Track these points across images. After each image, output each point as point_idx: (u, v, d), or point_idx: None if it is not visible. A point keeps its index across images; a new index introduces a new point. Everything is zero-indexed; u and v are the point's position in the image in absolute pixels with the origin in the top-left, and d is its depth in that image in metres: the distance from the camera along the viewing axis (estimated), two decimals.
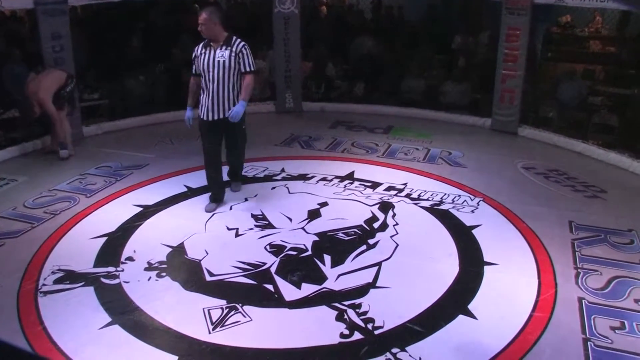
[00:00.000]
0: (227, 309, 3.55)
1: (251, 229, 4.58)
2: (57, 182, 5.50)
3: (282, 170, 5.75)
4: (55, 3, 6.22)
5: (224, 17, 4.67)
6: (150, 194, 5.23)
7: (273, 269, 3.99)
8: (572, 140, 6.62)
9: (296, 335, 3.34)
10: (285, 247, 4.28)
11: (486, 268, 4.04)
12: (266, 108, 7.95)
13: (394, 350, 3.19)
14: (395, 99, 7.92)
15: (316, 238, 4.41)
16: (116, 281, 3.87)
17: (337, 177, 5.62)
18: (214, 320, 3.45)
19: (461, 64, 7.95)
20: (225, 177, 5.16)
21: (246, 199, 5.09)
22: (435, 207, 4.98)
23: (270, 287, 3.80)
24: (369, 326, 3.40)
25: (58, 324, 3.42)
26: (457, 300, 3.68)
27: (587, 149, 6.43)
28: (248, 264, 4.04)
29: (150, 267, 4.03)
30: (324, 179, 5.54)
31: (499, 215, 4.87)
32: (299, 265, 4.04)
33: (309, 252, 4.21)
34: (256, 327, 3.41)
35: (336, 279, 3.88)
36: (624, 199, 5.22)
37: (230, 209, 4.93)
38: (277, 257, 4.14)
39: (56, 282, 3.87)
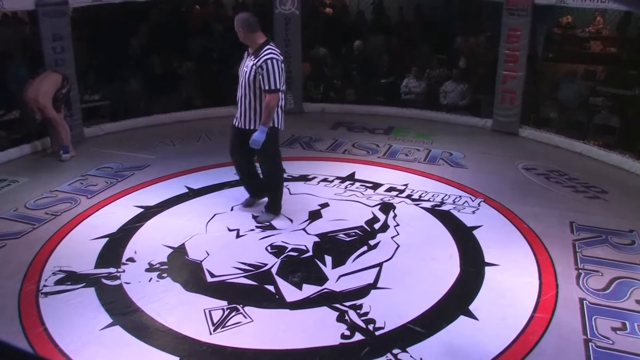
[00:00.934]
0: (228, 310, 3.55)
1: (252, 230, 4.58)
2: (58, 183, 5.50)
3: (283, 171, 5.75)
4: (56, 4, 6.23)
5: (252, 24, 4.34)
6: (152, 195, 5.24)
7: (274, 270, 3.99)
8: (573, 140, 6.62)
9: (297, 336, 3.34)
10: (286, 248, 4.28)
11: (487, 269, 4.04)
12: None
13: (395, 351, 3.19)
14: (394, 100, 7.92)
15: (317, 239, 4.41)
16: (117, 282, 3.88)
17: (338, 178, 5.62)
18: (215, 321, 3.45)
19: (462, 64, 7.94)
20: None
21: None
22: (436, 207, 4.98)
23: (271, 288, 3.80)
24: (370, 327, 3.40)
25: (59, 325, 3.42)
26: (458, 301, 3.68)
27: (588, 150, 6.43)
28: (249, 265, 4.04)
29: (151, 268, 4.04)
30: (324, 180, 5.54)
31: (499, 216, 4.87)
32: (300, 266, 4.04)
33: (310, 253, 4.22)
34: (257, 328, 3.41)
35: (337, 279, 3.88)
36: (625, 200, 5.22)
37: (232, 210, 4.93)
38: (278, 258, 4.14)
39: (57, 283, 3.87)
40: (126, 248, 4.32)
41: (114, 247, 4.33)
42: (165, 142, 6.74)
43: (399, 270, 4.03)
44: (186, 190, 5.35)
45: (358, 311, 3.54)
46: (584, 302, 3.66)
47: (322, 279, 3.89)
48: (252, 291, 3.77)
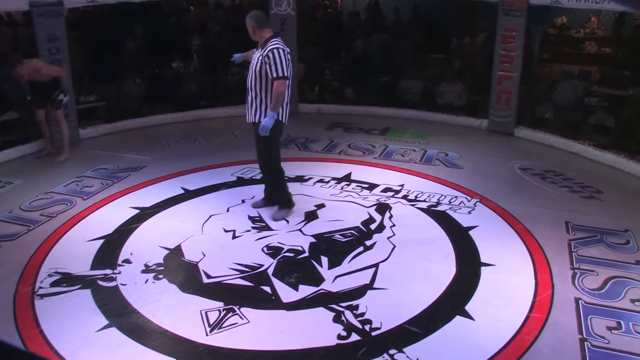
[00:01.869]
0: (225, 311, 3.55)
1: (248, 230, 4.57)
2: (53, 185, 5.48)
3: None
4: (50, 5, 6.21)
5: (261, 20, 4.50)
6: (147, 196, 5.23)
7: (270, 271, 3.98)
8: (568, 141, 6.64)
9: (293, 336, 3.34)
10: (283, 248, 4.28)
11: (483, 269, 4.05)
12: None
13: (392, 351, 3.19)
14: (391, 101, 7.93)
15: (313, 240, 4.41)
16: (113, 284, 3.87)
17: (334, 178, 5.62)
18: (211, 323, 3.45)
19: (456, 65, 7.97)
20: None
21: (243, 201, 5.08)
22: (432, 208, 4.99)
23: (267, 288, 3.79)
24: (367, 327, 3.40)
25: (55, 327, 3.41)
26: (454, 301, 3.69)
27: (584, 150, 6.46)
28: (245, 265, 4.04)
29: (147, 270, 4.03)
30: (320, 181, 5.55)
31: (495, 216, 4.88)
32: (296, 267, 4.04)
33: (306, 254, 4.22)
34: (253, 329, 3.41)
35: (333, 280, 3.88)
36: (620, 200, 5.24)
37: (227, 210, 4.93)
38: (274, 258, 4.14)
39: (53, 284, 3.86)
40: (122, 249, 4.31)
41: (110, 249, 4.32)
42: (161, 143, 6.73)
43: (395, 270, 4.03)
44: (182, 192, 5.34)
45: (354, 312, 3.54)
46: (580, 301, 3.68)
47: (318, 279, 3.89)
48: (248, 292, 3.76)
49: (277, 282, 3.85)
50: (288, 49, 4.46)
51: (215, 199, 5.17)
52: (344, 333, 3.35)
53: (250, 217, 4.78)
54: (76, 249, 4.32)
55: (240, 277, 3.92)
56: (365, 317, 3.49)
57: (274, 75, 4.35)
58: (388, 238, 4.47)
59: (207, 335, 3.34)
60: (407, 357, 3.16)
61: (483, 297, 3.73)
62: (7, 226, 4.69)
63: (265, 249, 4.28)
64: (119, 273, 3.99)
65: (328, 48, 8.73)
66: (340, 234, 4.50)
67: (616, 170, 6.03)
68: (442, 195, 5.25)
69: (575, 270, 4.04)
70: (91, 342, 3.29)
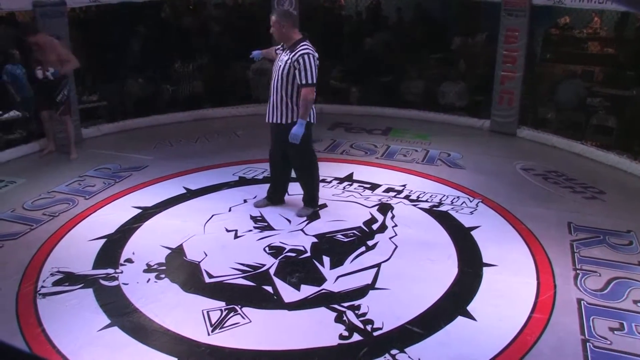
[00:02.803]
0: (226, 311, 3.55)
1: (250, 230, 4.58)
2: (56, 184, 5.49)
3: None
4: (53, 5, 6.22)
5: (295, 20, 4.42)
6: (150, 196, 5.23)
7: (272, 271, 3.99)
8: (570, 141, 6.63)
9: (295, 336, 3.34)
10: (285, 248, 4.28)
11: (485, 269, 4.05)
12: (264, 109, 7.92)
13: (393, 351, 3.19)
14: (393, 101, 7.93)
15: (315, 240, 4.41)
16: (115, 283, 3.87)
17: (336, 178, 5.62)
18: (213, 322, 3.45)
19: (461, 67, 7.97)
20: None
21: (245, 201, 5.08)
22: (434, 208, 4.99)
23: (269, 288, 3.80)
24: (368, 327, 3.40)
25: (57, 326, 3.42)
26: (456, 301, 3.68)
27: (586, 150, 6.44)
28: (247, 265, 4.04)
29: (149, 269, 4.03)
30: (323, 181, 5.52)
31: (497, 216, 4.88)
32: (298, 267, 4.04)
33: (308, 254, 4.22)
34: (255, 328, 3.41)
35: (335, 280, 3.88)
36: (622, 200, 5.23)
37: (230, 210, 4.93)
38: (276, 258, 4.14)
39: (55, 284, 3.86)
40: (124, 249, 4.31)
41: (112, 248, 4.33)
42: (163, 143, 6.74)
43: (397, 270, 4.03)
44: (184, 191, 5.35)
45: (356, 312, 3.54)
46: (582, 302, 3.67)
47: (320, 279, 3.89)
48: (250, 292, 3.77)
49: (279, 282, 3.85)
50: (317, 55, 4.39)
51: (217, 199, 5.18)
52: (345, 333, 3.35)
53: (252, 217, 4.78)
54: (78, 249, 4.33)
55: (242, 277, 3.92)
56: (367, 317, 3.49)
57: (303, 82, 4.30)
58: (390, 238, 4.47)
59: (208, 334, 3.34)
60: (409, 357, 3.15)
61: (485, 297, 3.72)
62: (10, 225, 4.70)
63: (267, 248, 4.28)
64: (121, 272, 4.00)
65: (330, 48, 8.73)
66: (342, 234, 4.50)
67: (619, 171, 6.02)
68: (444, 195, 5.24)
69: (578, 271, 4.03)
70: (93, 342, 3.29)
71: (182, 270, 4.05)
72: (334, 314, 3.53)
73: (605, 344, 3.28)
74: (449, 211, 4.93)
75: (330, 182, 5.53)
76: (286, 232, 4.53)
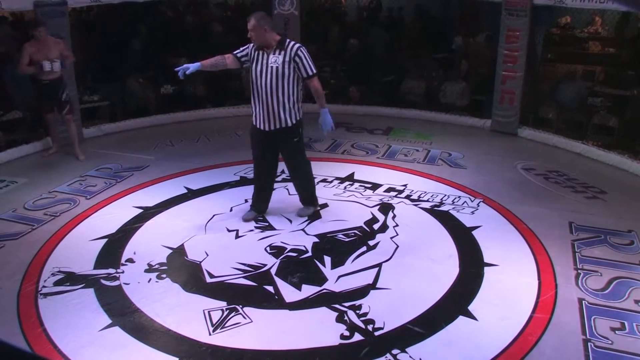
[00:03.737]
0: (228, 311, 3.55)
1: (251, 230, 4.58)
2: (57, 184, 5.50)
3: (282, 172, 5.73)
4: (54, 5, 6.23)
5: (273, 22, 4.33)
6: (151, 196, 5.23)
7: (273, 271, 3.99)
8: (571, 141, 6.62)
9: (296, 336, 3.34)
10: (286, 248, 4.28)
11: (486, 269, 4.05)
12: None
13: (395, 351, 3.19)
14: (394, 101, 7.93)
15: (316, 239, 4.41)
16: (116, 283, 3.87)
17: (337, 178, 5.62)
18: (214, 322, 3.45)
19: (463, 67, 7.96)
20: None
21: (246, 200, 5.08)
22: (435, 208, 4.99)
23: (270, 288, 3.80)
24: (369, 327, 3.40)
25: (58, 326, 3.42)
26: (457, 301, 3.68)
27: (587, 150, 6.44)
28: (248, 265, 4.04)
29: (150, 269, 4.03)
30: (324, 181, 5.54)
31: (499, 216, 4.87)
32: (299, 267, 4.04)
33: (309, 254, 4.22)
34: (256, 328, 3.41)
35: (336, 280, 3.88)
36: (623, 200, 5.22)
37: (231, 210, 4.93)
38: (277, 258, 4.14)
39: (56, 284, 3.87)
40: (125, 249, 4.32)
41: (113, 248, 4.33)
42: (165, 143, 6.74)
43: (398, 270, 4.03)
44: (185, 191, 5.35)
45: (357, 311, 3.54)
46: (583, 302, 3.67)
47: (321, 279, 3.89)
48: (251, 292, 3.77)
49: (280, 282, 3.85)
50: None
51: (219, 199, 5.18)
52: (346, 333, 3.35)
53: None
54: (79, 248, 4.33)
55: (243, 277, 3.92)
56: (368, 317, 3.49)
57: (310, 73, 4.32)
58: (391, 238, 4.47)
59: (210, 334, 3.35)
60: (410, 357, 3.15)
61: (486, 297, 3.72)
62: (11, 225, 4.70)
63: (268, 248, 4.28)
64: (122, 272, 4.00)
65: (330, 47, 8.74)
66: (343, 234, 4.50)
67: (620, 171, 6.01)
68: (445, 195, 5.24)
69: (579, 271, 4.03)
70: (94, 341, 3.29)
71: (183, 270, 4.05)
72: (335, 314, 3.53)
73: (607, 343, 3.28)
74: (450, 211, 4.93)
75: (331, 181, 5.53)
76: (287, 232, 4.53)
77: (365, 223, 4.69)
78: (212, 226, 4.66)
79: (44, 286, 3.84)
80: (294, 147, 4.53)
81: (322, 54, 8.65)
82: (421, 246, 4.36)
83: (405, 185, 5.45)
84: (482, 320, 3.49)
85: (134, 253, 4.25)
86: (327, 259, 4.13)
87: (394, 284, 3.85)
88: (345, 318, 3.49)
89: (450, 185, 5.49)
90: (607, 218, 4.82)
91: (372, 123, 7.49)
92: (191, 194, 5.29)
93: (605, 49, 9.17)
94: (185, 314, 3.53)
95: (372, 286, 3.83)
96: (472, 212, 4.91)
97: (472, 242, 4.42)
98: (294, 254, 4.21)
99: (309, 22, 8.77)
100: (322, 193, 5.23)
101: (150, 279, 3.91)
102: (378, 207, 5.00)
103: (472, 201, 5.12)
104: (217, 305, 3.61)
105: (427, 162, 6.15)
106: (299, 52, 4.25)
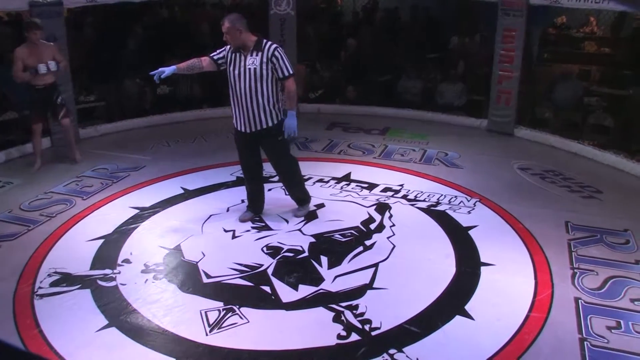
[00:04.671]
0: (224, 311, 3.55)
1: (248, 230, 4.58)
2: (53, 185, 5.48)
3: None
4: (50, 5, 6.21)
5: (246, 23, 4.24)
6: (147, 196, 5.23)
7: (270, 271, 3.99)
8: (568, 140, 6.64)
9: (293, 336, 3.34)
10: (282, 248, 4.28)
11: (483, 269, 4.05)
12: None
13: (391, 351, 3.19)
14: (390, 100, 7.94)
15: (313, 239, 4.41)
16: (113, 283, 3.87)
17: (333, 178, 5.62)
18: (211, 322, 3.45)
19: (460, 68, 7.97)
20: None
21: (243, 201, 5.07)
22: (432, 208, 4.99)
23: (267, 288, 3.79)
24: (366, 327, 3.40)
25: (54, 327, 3.41)
26: (453, 301, 3.69)
27: (583, 150, 6.46)
28: (245, 265, 4.04)
29: (147, 270, 4.03)
30: (320, 181, 5.55)
31: (495, 216, 4.88)
32: (295, 267, 4.04)
33: (306, 254, 4.22)
34: (253, 328, 3.41)
35: (333, 280, 3.88)
36: (619, 200, 5.24)
37: (227, 210, 4.93)
38: (274, 258, 4.14)
39: (52, 284, 3.86)
40: (122, 249, 4.31)
41: (110, 249, 4.32)
42: (161, 143, 6.73)
43: (395, 270, 4.03)
44: (182, 191, 5.34)
45: (354, 311, 3.55)
46: (579, 301, 3.68)
47: (318, 279, 3.89)
48: (248, 292, 3.77)
49: (276, 282, 3.85)
50: None
51: (215, 199, 5.17)
52: (343, 333, 3.36)
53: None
54: (76, 249, 4.32)
55: (240, 277, 3.92)
56: (365, 316, 3.50)
57: (286, 74, 4.26)
58: (388, 238, 4.47)
59: (206, 335, 3.34)
60: (407, 356, 3.16)
61: (483, 296, 3.73)
62: (7, 226, 4.69)
63: (264, 248, 4.28)
64: (119, 273, 3.99)
65: (327, 47, 8.74)
66: (339, 234, 4.50)
67: (616, 170, 6.03)
68: (442, 195, 5.25)
69: (575, 270, 4.04)
70: (91, 342, 3.29)
71: (180, 270, 4.04)
72: (332, 314, 3.53)
73: (603, 342, 3.29)
74: (446, 211, 4.94)
75: (327, 181, 5.53)
76: (284, 232, 4.53)
77: (362, 223, 4.69)
78: (208, 226, 4.66)
79: (40, 287, 3.82)
80: (278, 146, 4.52)
81: (320, 53, 8.68)
82: (418, 246, 4.37)
83: (401, 185, 5.46)
84: (479, 319, 3.50)
85: (131, 254, 4.24)
86: (324, 259, 4.13)
87: (391, 284, 3.85)
88: (342, 318, 3.49)
89: (446, 185, 5.50)
90: (603, 217, 4.83)
91: (368, 123, 7.49)
92: (188, 194, 5.29)
93: (601, 49, 9.20)
94: (182, 315, 3.53)
95: (369, 286, 3.83)
96: (469, 212, 4.92)
97: (469, 242, 4.43)
98: (291, 254, 4.21)
99: (303, 22, 8.76)
100: (319, 193, 5.23)
101: (146, 280, 3.91)
102: (375, 207, 5.00)
103: (468, 201, 5.13)
104: (214, 306, 3.60)
105: (423, 162, 6.16)
106: (275, 52, 4.22)
